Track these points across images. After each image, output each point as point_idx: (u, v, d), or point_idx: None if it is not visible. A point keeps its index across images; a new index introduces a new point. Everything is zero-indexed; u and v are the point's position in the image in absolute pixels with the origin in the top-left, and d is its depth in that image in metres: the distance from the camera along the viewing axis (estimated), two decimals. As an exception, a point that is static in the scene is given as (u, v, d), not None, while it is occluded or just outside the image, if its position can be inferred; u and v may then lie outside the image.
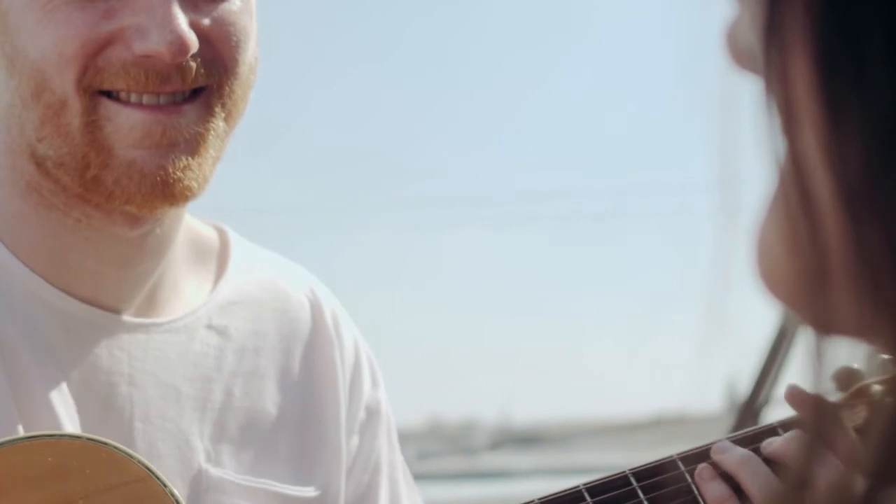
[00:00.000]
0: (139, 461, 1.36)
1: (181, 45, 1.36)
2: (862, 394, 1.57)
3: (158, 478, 1.36)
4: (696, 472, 1.47)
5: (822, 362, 0.61)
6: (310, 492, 1.53)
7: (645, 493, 1.46)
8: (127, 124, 1.37)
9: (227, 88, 1.41)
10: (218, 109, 1.41)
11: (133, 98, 1.37)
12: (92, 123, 1.37)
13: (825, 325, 0.59)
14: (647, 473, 1.48)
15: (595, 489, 1.46)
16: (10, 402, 1.39)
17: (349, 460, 1.59)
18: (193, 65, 1.38)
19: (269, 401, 1.54)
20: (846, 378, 1.59)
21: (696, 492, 1.46)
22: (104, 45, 1.36)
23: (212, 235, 1.58)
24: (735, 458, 1.47)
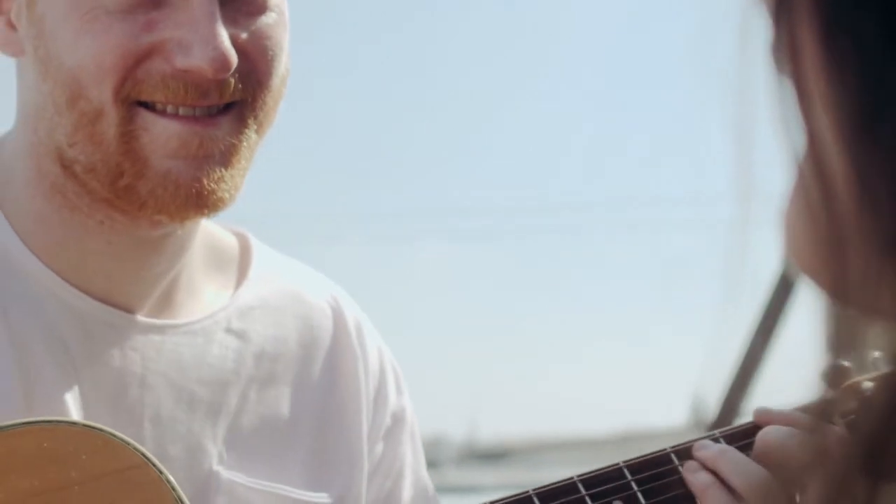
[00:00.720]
0: (135, 448, 1.36)
1: (224, 62, 1.36)
2: (852, 391, 1.58)
3: (154, 465, 1.36)
4: (684, 466, 1.49)
5: (843, 338, 0.62)
6: (324, 498, 1.53)
7: (638, 486, 1.47)
8: (164, 135, 1.37)
9: (261, 101, 1.42)
10: (251, 121, 1.42)
11: (169, 109, 1.38)
12: (128, 133, 1.37)
13: (843, 294, 0.60)
14: (640, 466, 1.49)
15: (589, 481, 1.46)
16: (21, 397, 1.39)
17: (372, 466, 1.59)
18: (231, 80, 1.39)
19: (286, 407, 1.53)
20: (836, 375, 1.60)
21: (682, 474, 1.48)
22: (144, 56, 1.37)
23: (232, 242, 1.58)
24: (713, 451, 1.48)
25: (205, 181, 1.38)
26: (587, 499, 1.45)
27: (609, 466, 1.48)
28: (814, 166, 0.56)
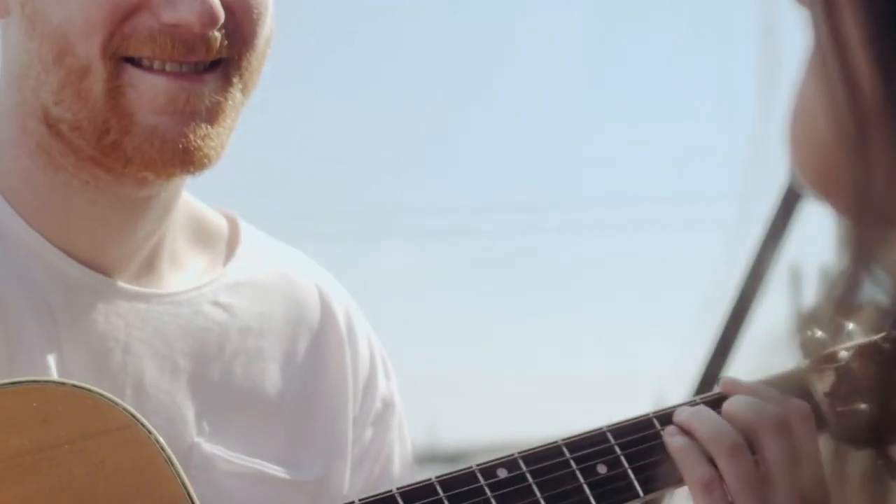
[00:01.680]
0: (124, 408, 1.37)
1: (211, 16, 1.37)
2: (829, 360, 1.60)
3: (143, 425, 1.37)
4: (665, 430, 1.50)
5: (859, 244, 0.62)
6: (303, 476, 1.54)
7: (622, 450, 1.49)
8: (151, 91, 1.38)
9: (246, 60, 1.43)
10: (236, 80, 1.43)
11: (156, 65, 1.39)
12: (115, 89, 1.38)
13: (863, 202, 0.61)
14: (623, 431, 1.50)
15: (573, 445, 1.48)
16: (3, 357, 1.40)
17: (362, 452, 1.60)
18: (218, 35, 1.40)
19: (269, 383, 1.53)
20: (812, 345, 1.62)
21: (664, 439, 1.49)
22: (131, 11, 1.38)
23: (221, 222, 1.58)
24: (688, 412, 1.50)
25: (191, 137, 1.39)
26: (571, 462, 1.46)
27: (592, 431, 1.49)
28: (839, 69, 0.57)
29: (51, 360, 1.41)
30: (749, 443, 1.46)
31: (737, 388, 1.52)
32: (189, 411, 1.47)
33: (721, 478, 1.45)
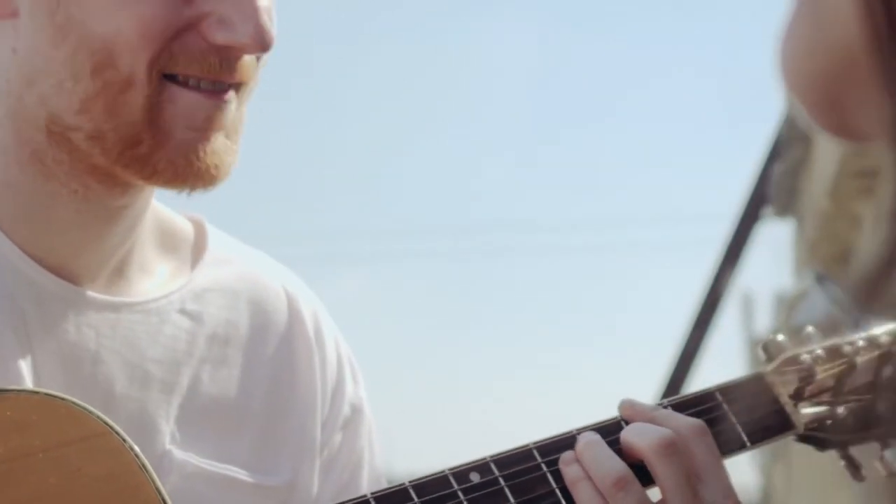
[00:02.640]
0: (98, 417, 1.36)
1: (266, 39, 1.41)
2: (790, 363, 1.62)
3: (118, 433, 1.37)
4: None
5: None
6: (272, 481, 1.54)
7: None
8: (189, 108, 1.41)
9: (255, 81, 1.47)
10: (245, 98, 1.46)
11: (191, 82, 1.41)
12: (155, 105, 1.40)
13: (846, 123, 0.61)
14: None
15: (544, 448, 1.49)
16: None
17: (331, 457, 1.60)
18: (253, 58, 1.44)
19: (236, 389, 1.54)
20: (774, 348, 1.64)
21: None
22: (182, 30, 1.40)
23: (187, 226, 1.59)
24: (581, 443, 1.48)
25: (221, 153, 1.42)
26: (542, 465, 1.47)
27: (563, 434, 1.50)
28: None
29: (24, 368, 1.42)
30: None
31: (633, 410, 1.51)
32: (161, 419, 1.48)
33: None
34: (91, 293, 1.47)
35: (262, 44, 1.41)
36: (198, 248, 1.58)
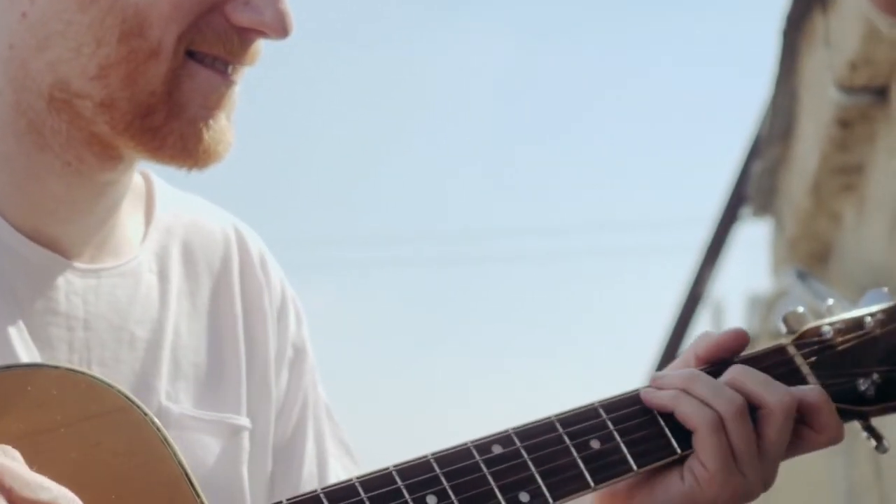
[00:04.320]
0: (119, 391, 1.36)
1: (288, 25, 1.44)
2: (811, 334, 1.62)
3: (139, 407, 1.36)
4: (643, 392, 1.54)
5: None
6: (248, 423, 1.57)
7: (614, 425, 1.50)
8: (205, 86, 1.43)
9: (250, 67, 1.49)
10: (239, 83, 1.48)
11: (207, 61, 1.43)
12: (175, 78, 1.41)
13: None
14: (614, 406, 1.51)
15: (566, 420, 1.49)
16: None
17: (280, 398, 1.62)
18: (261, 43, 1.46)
19: (210, 338, 1.57)
20: (794, 320, 1.64)
21: (656, 413, 1.52)
22: (212, 8, 1.42)
23: (139, 181, 1.60)
24: (677, 376, 1.54)
25: (223, 133, 1.45)
26: (564, 437, 1.47)
27: (584, 406, 1.50)
28: None
29: (17, 342, 1.42)
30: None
31: (662, 382, 1.55)
32: (153, 377, 1.49)
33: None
34: (77, 263, 1.47)
35: (284, 29, 1.43)
36: (149, 204, 1.59)
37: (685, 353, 1.59)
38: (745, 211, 7.89)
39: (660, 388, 1.53)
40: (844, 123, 4.76)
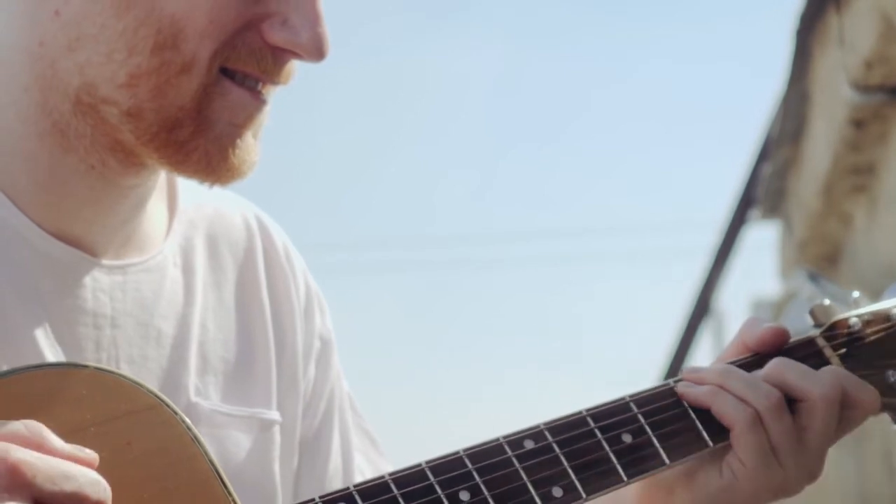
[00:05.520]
0: (148, 389, 1.35)
1: (324, 48, 1.42)
2: (840, 327, 1.62)
3: (168, 405, 1.35)
4: (678, 386, 1.53)
5: None
6: (279, 416, 1.57)
7: (645, 419, 1.49)
8: (237, 104, 1.41)
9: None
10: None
11: (237, 78, 1.41)
12: (206, 94, 1.39)
13: None
14: (645, 400, 1.50)
15: (597, 415, 1.48)
16: None
17: (308, 389, 1.62)
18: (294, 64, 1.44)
19: (238, 331, 1.56)
20: (822, 313, 1.64)
21: (686, 406, 1.51)
22: (248, 25, 1.40)
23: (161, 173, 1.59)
24: (718, 369, 1.54)
25: (249, 152, 1.43)
26: (596, 431, 1.46)
27: (615, 400, 1.50)
28: None
29: (42, 341, 1.41)
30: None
31: (699, 377, 1.55)
32: (181, 374, 1.49)
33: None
34: (104, 261, 1.46)
35: (320, 52, 1.41)
36: (171, 196, 1.57)
37: (733, 342, 1.59)
38: (754, 213, 7.88)
39: (696, 383, 1.52)
40: (858, 123, 4.74)
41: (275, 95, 1.47)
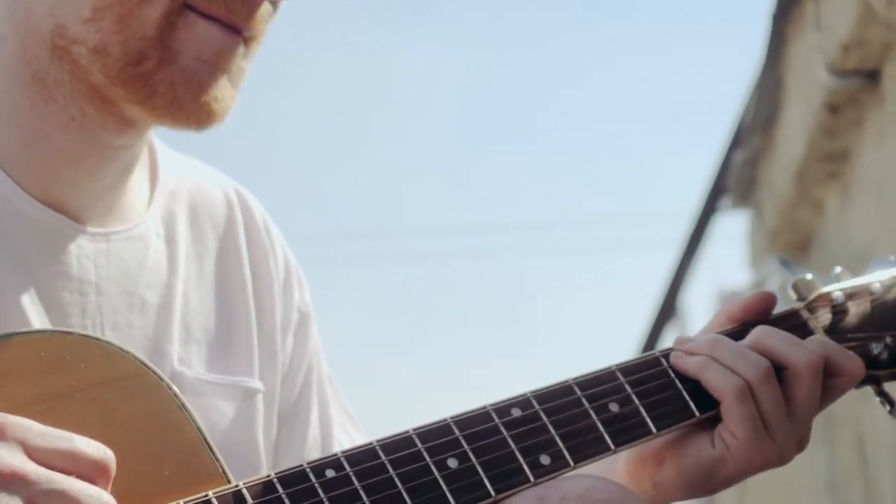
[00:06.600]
0: (133, 356, 1.35)
1: None
2: (823, 300, 1.62)
3: (155, 372, 1.35)
4: (670, 357, 1.53)
5: None
6: (261, 385, 1.57)
7: (632, 388, 1.49)
8: (203, 37, 1.39)
9: (260, 39, 1.46)
10: (251, 54, 1.45)
11: (211, 14, 1.39)
12: (169, 24, 1.38)
13: None
14: (632, 369, 1.51)
15: (584, 384, 1.48)
16: None
17: (286, 361, 1.62)
18: (269, 9, 1.44)
19: (219, 302, 1.56)
20: (804, 287, 1.64)
21: (673, 376, 1.52)
22: None
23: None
24: (707, 339, 1.54)
25: (221, 91, 1.41)
26: (583, 400, 1.46)
27: (601, 370, 1.50)
28: None
29: (28, 306, 1.41)
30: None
31: (689, 347, 1.54)
32: (165, 342, 1.49)
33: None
34: (89, 227, 1.46)
35: None
36: (153, 168, 1.57)
37: (717, 316, 1.59)
38: (725, 202, 7.88)
39: (686, 353, 1.52)
40: (833, 108, 4.74)
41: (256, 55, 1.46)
